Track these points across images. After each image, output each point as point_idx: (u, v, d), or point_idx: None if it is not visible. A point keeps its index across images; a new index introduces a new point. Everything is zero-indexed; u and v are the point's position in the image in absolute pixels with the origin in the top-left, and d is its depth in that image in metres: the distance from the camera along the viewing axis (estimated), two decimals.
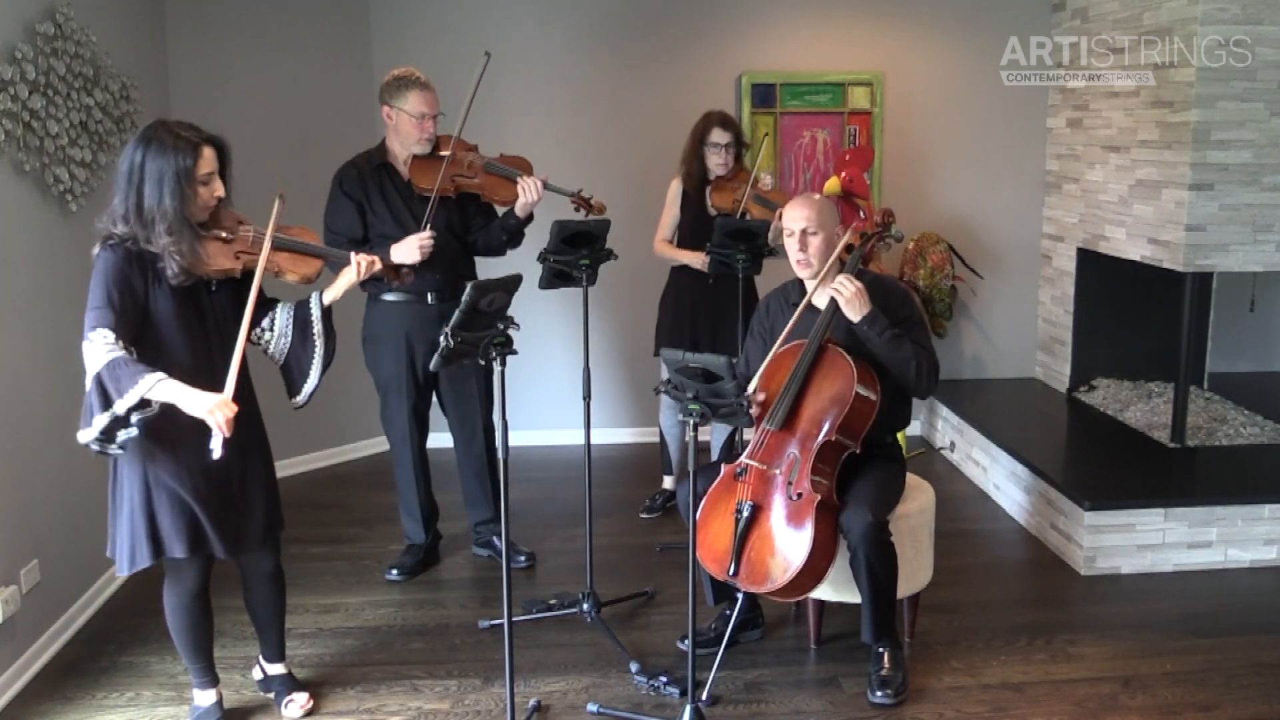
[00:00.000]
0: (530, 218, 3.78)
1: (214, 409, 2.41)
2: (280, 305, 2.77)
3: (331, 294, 2.79)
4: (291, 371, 2.77)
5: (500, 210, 3.83)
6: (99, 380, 2.40)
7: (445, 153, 3.65)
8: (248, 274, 2.64)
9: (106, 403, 2.41)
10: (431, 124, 3.63)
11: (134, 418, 2.44)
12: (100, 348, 2.41)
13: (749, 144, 4.58)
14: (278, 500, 2.85)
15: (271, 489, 2.82)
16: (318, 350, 2.75)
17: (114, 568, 2.67)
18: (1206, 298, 5.34)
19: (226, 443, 2.43)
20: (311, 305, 2.76)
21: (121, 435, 2.46)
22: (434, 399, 3.94)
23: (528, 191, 3.67)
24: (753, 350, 3.33)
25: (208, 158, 2.56)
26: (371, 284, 3.68)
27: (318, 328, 2.75)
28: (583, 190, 3.84)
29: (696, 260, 4.17)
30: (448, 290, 3.70)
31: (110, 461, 2.64)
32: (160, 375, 2.41)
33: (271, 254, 2.67)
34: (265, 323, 2.75)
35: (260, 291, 2.64)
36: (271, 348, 2.76)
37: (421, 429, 3.90)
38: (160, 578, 2.79)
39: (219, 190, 2.60)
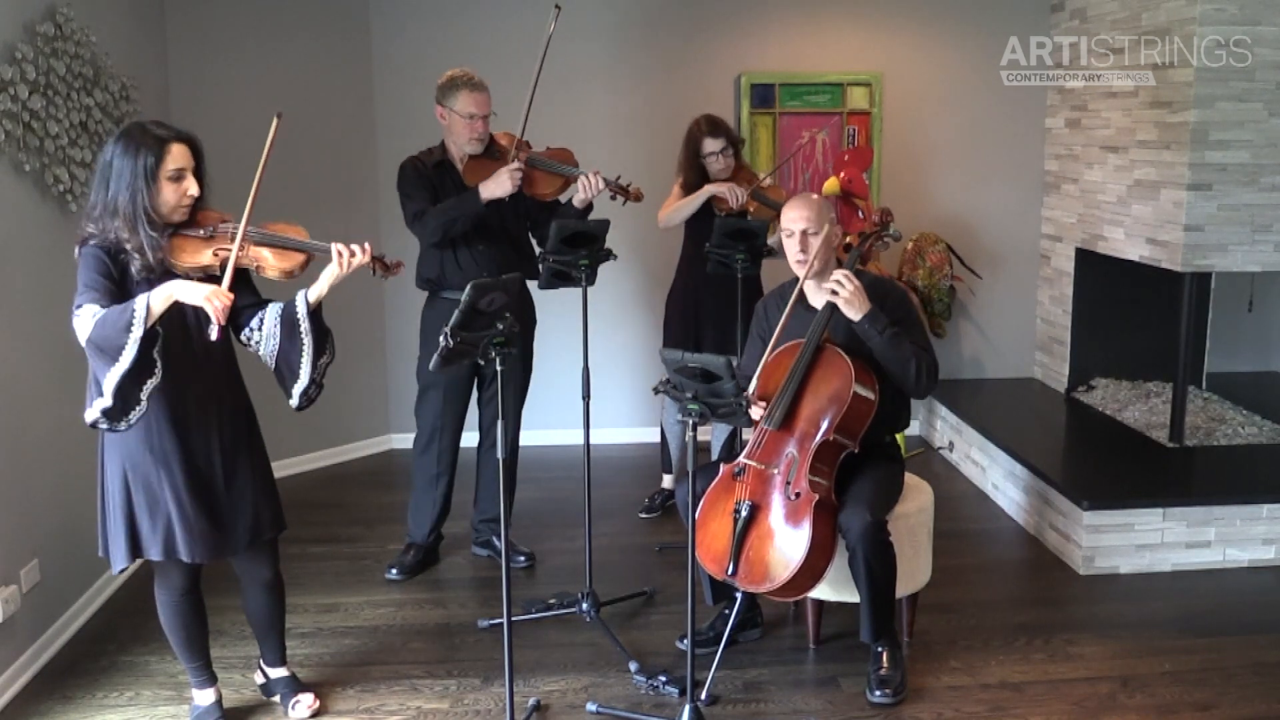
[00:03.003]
0: (590, 208, 3.78)
1: (210, 296, 2.45)
2: (269, 305, 2.71)
3: (316, 290, 2.68)
4: (282, 372, 2.70)
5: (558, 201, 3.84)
6: (93, 343, 2.41)
7: (504, 144, 3.67)
8: (225, 269, 2.60)
9: (111, 359, 2.40)
10: (481, 124, 3.65)
11: (155, 354, 2.45)
12: (88, 317, 2.43)
13: (743, 139, 4.56)
14: (274, 503, 2.81)
15: (265, 491, 2.78)
16: (306, 347, 2.65)
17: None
18: (1205, 298, 5.34)
19: (221, 330, 2.48)
20: (297, 303, 2.67)
21: (148, 386, 2.46)
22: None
23: (588, 188, 3.68)
24: (753, 353, 3.33)
25: (176, 154, 2.54)
26: (422, 283, 3.72)
27: (304, 325, 2.66)
28: (620, 177, 3.82)
29: (720, 189, 4.08)
30: None
31: (98, 461, 2.64)
32: (145, 294, 2.43)
33: (250, 248, 2.62)
34: (254, 323, 2.68)
35: (252, 286, 2.62)
36: (261, 349, 2.68)
37: (456, 425, 3.90)
38: None
39: (191, 188, 2.58)
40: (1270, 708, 3.02)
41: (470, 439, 3.99)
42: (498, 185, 3.58)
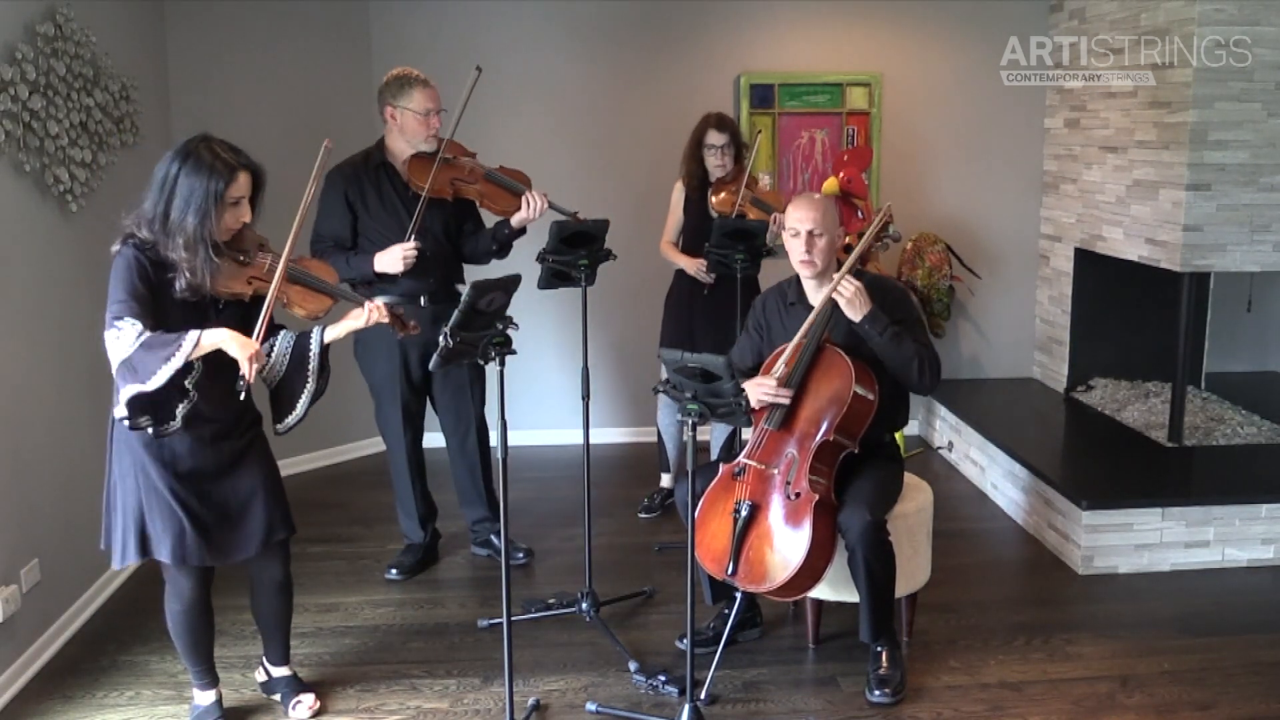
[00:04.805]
0: (523, 231, 3.80)
1: (252, 356, 2.50)
2: (282, 332, 2.75)
3: (334, 332, 2.75)
4: (280, 398, 2.75)
5: (491, 219, 3.84)
6: (128, 363, 2.43)
7: (446, 155, 3.66)
8: (256, 299, 2.65)
9: (140, 380, 2.43)
10: (437, 119, 3.64)
11: (187, 383, 2.50)
12: (130, 335, 2.43)
13: (748, 144, 4.58)
14: (283, 506, 2.83)
15: (273, 495, 2.80)
16: (309, 385, 2.73)
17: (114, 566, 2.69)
18: (1204, 298, 5.35)
19: (248, 387, 2.54)
20: (312, 339, 2.73)
21: (181, 409, 2.52)
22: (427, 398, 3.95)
23: (532, 207, 3.69)
24: (745, 345, 3.34)
25: (241, 183, 2.57)
26: (363, 288, 3.66)
27: (314, 364, 2.72)
28: (580, 213, 3.81)
29: (692, 266, 4.20)
30: (441, 293, 3.74)
31: (107, 458, 2.66)
32: (197, 330, 2.46)
33: (284, 285, 2.67)
34: (264, 348, 2.70)
35: (271, 316, 2.64)
36: (266, 372, 2.72)
37: (416, 429, 3.92)
38: (160, 575, 2.79)
39: (246, 215, 2.62)
40: (1269, 707, 3.02)
41: (435, 439, 4.00)
42: (391, 262, 3.54)
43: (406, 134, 3.66)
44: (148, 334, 2.44)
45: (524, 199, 3.70)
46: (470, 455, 3.94)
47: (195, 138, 2.58)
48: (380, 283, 3.64)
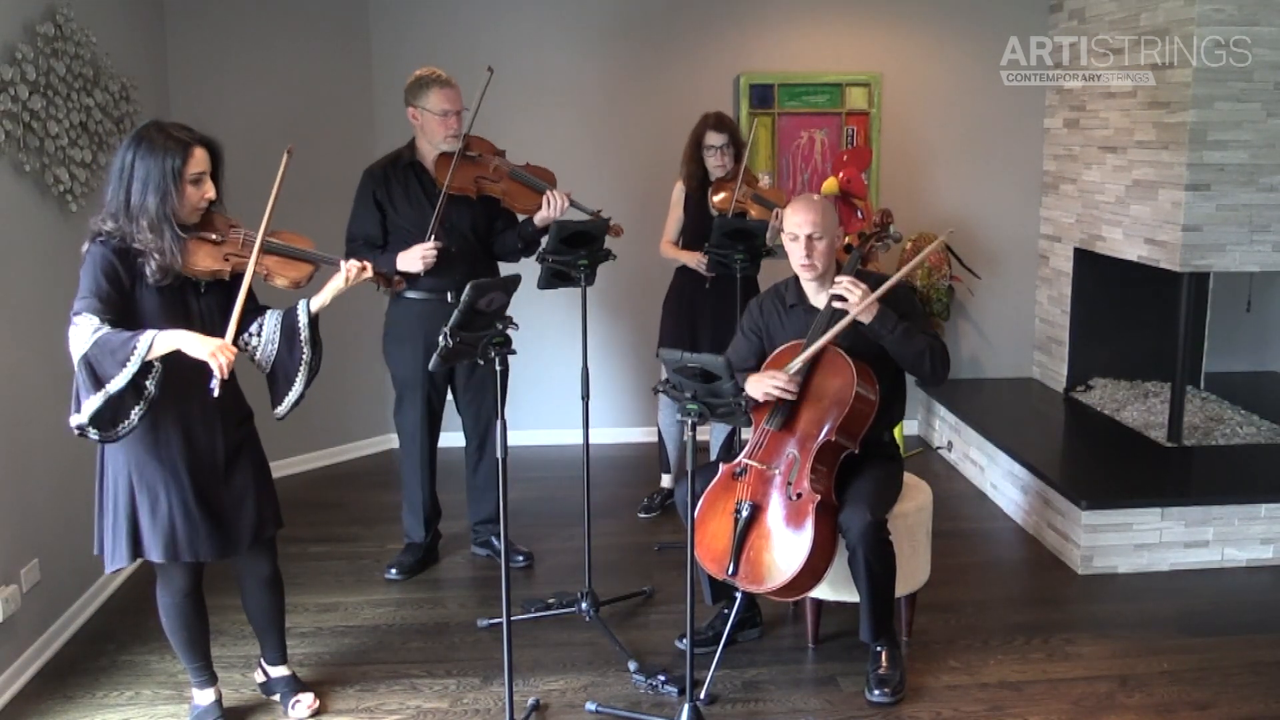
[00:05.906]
0: (548, 229, 3.79)
1: (216, 351, 2.45)
2: (269, 312, 2.73)
3: (319, 300, 2.72)
4: (277, 380, 2.72)
5: (520, 218, 3.86)
6: (86, 361, 2.41)
7: (471, 153, 3.67)
8: (238, 277, 2.63)
9: (97, 384, 2.41)
10: (455, 120, 3.65)
11: (148, 383, 2.45)
12: (85, 330, 2.42)
13: (746, 142, 4.58)
14: (273, 501, 2.83)
15: (264, 490, 2.79)
16: (304, 359, 2.69)
17: None
18: (1203, 298, 5.35)
19: (223, 384, 2.47)
20: (299, 312, 2.70)
21: (136, 412, 2.45)
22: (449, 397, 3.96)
23: (552, 205, 3.70)
24: (743, 347, 3.32)
25: (198, 158, 2.55)
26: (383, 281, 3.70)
27: (304, 335, 2.69)
28: (602, 211, 3.79)
29: (694, 261, 4.20)
30: None
31: (98, 460, 2.65)
32: (153, 331, 2.43)
33: (261, 257, 2.64)
34: (254, 328, 2.70)
35: (250, 293, 2.62)
36: (258, 354, 2.70)
37: (433, 428, 3.92)
38: (155, 574, 2.79)
39: (210, 192, 2.60)
40: (1268, 707, 3.02)
41: (452, 439, 3.99)
42: (410, 262, 3.54)
43: (427, 134, 3.69)
44: (104, 330, 2.42)
45: (545, 197, 3.71)
46: (491, 456, 3.93)
47: (146, 123, 2.58)
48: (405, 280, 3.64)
